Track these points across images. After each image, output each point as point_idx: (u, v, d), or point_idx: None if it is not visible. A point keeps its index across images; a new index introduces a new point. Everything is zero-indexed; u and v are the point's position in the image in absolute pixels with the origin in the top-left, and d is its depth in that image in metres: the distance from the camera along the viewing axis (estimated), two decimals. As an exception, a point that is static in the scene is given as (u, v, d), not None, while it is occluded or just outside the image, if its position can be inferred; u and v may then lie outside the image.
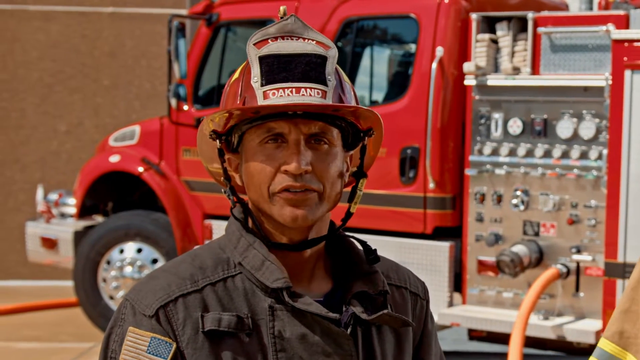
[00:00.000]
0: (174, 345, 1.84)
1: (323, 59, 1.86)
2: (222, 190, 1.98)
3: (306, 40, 1.88)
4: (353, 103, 1.93)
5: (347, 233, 2.02)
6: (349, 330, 1.89)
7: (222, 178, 1.97)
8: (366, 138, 1.96)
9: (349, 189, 2.00)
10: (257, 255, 1.89)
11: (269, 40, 1.87)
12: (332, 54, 1.88)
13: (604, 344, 2.15)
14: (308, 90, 1.83)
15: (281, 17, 1.89)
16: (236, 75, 1.93)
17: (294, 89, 1.83)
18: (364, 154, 1.98)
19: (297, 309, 1.85)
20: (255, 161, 1.87)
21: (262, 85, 1.84)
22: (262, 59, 1.85)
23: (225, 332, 1.85)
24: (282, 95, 1.83)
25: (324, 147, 1.87)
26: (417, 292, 2.07)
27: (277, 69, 1.84)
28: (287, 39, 1.87)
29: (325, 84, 1.85)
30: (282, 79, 1.84)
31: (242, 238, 1.92)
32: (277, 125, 1.85)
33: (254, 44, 1.87)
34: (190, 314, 1.85)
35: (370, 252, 1.97)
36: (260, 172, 1.86)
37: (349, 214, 1.98)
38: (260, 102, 1.84)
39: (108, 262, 8.22)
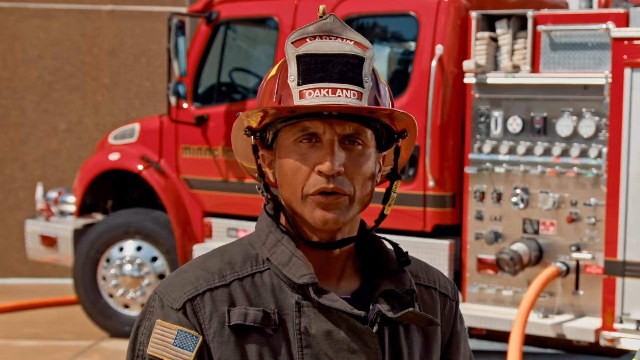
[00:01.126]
0: (200, 339, 1.85)
1: (360, 60, 1.86)
2: (256, 186, 1.99)
3: (344, 40, 1.88)
4: (388, 105, 1.93)
5: (379, 234, 2.03)
6: (375, 328, 1.89)
7: (256, 174, 1.97)
8: (400, 140, 1.96)
9: (383, 189, 2.00)
10: (285, 251, 1.90)
11: (307, 39, 1.87)
12: (370, 55, 1.88)
13: None
14: (344, 91, 1.83)
15: (320, 16, 1.90)
16: (273, 72, 1.93)
17: (330, 90, 1.83)
18: (398, 155, 1.98)
19: (324, 305, 1.86)
20: (289, 159, 1.87)
21: (298, 84, 1.84)
22: (299, 58, 1.85)
23: (251, 326, 1.86)
24: (318, 95, 1.83)
25: (357, 148, 1.88)
26: (447, 293, 2.08)
27: (314, 68, 1.84)
28: (325, 39, 1.87)
29: (362, 85, 1.85)
30: (318, 79, 1.83)
31: (271, 234, 1.93)
32: (312, 125, 1.85)
33: (292, 42, 1.87)
34: (217, 308, 1.86)
35: (402, 254, 1.99)
36: (294, 171, 1.86)
37: (382, 216, 2.00)
38: (297, 101, 1.84)
39: (107, 260, 8.21)
